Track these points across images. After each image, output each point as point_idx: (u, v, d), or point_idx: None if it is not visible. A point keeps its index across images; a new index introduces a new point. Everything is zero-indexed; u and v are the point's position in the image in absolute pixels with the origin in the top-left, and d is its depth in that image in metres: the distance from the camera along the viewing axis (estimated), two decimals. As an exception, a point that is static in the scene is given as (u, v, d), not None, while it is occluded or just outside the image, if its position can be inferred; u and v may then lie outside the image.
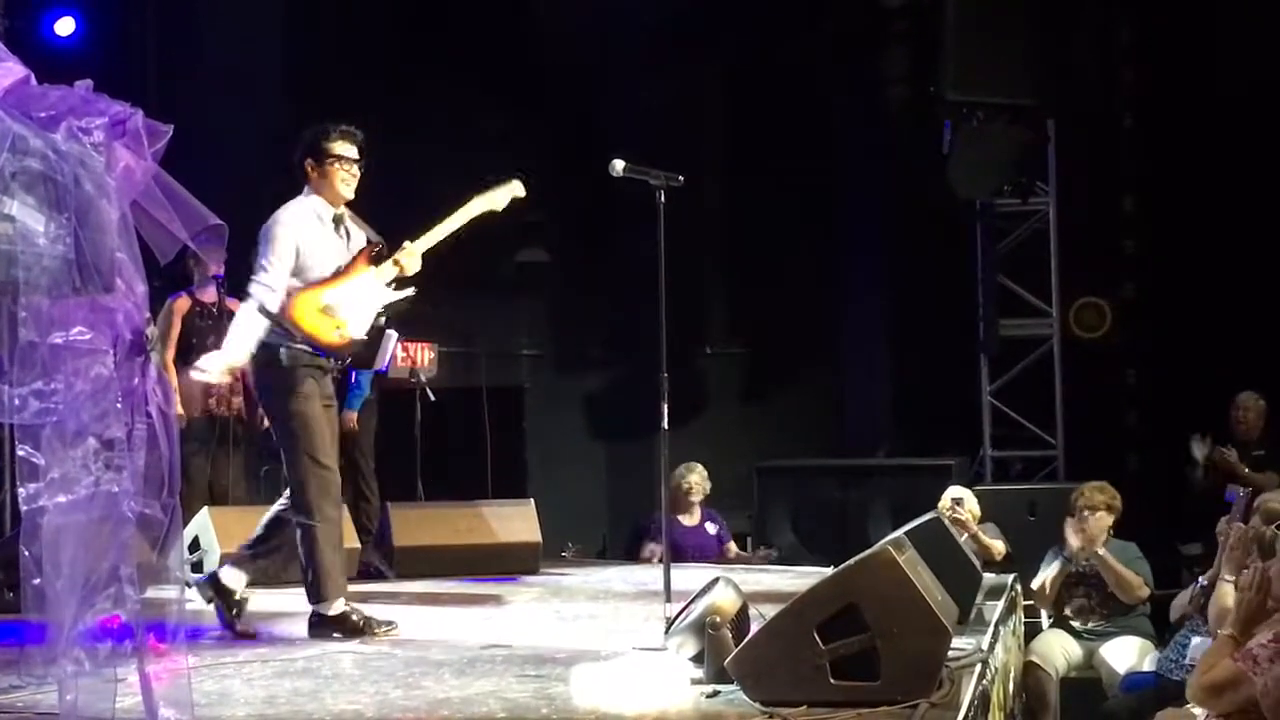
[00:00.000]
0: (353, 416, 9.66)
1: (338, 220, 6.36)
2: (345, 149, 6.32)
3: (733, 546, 10.03)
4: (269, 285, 6.13)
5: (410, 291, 6.39)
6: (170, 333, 9.09)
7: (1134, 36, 11.59)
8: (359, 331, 6.27)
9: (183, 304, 9.19)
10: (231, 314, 9.21)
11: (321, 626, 6.15)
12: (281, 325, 6.15)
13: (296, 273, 6.20)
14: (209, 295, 9.24)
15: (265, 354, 6.20)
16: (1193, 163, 11.01)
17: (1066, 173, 11.60)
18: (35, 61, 3.60)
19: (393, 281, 6.36)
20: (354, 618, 6.16)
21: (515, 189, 6.60)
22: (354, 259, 6.34)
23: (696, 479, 9.88)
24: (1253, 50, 10.82)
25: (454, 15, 11.63)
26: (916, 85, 11.62)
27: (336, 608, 6.15)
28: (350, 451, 9.81)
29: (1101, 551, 7.72)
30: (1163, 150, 11.36)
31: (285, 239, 6.19)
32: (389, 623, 6.23)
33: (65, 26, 11.08)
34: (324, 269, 6.26)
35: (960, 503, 8.45)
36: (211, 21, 11.74)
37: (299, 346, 6.14)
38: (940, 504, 8.50)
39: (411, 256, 6.38)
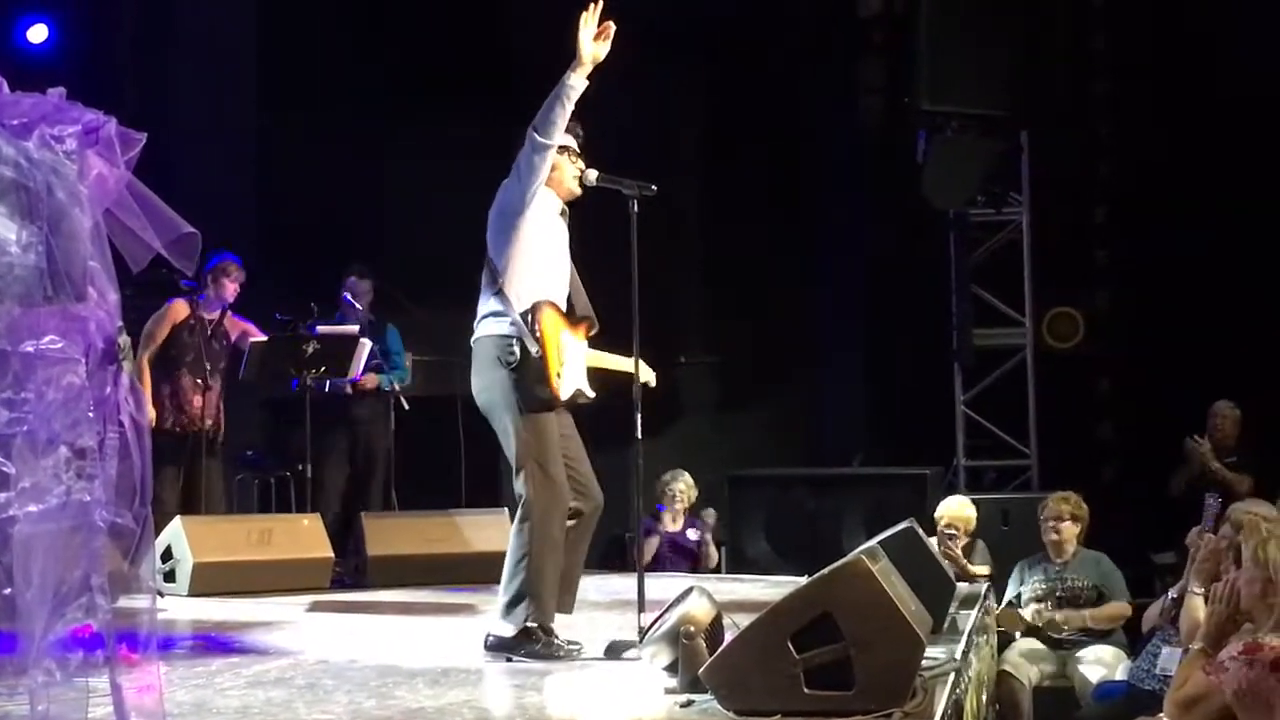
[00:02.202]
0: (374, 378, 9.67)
1: (562, 214, 6.02)
2: (570, 140, 5.97)
3: (712, 554, 10.06)
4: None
5: (591, 395, 6.00)
6: (157, 334, 9.08)
7: (1106, 47, 11.64)
8: (564, 393, 5.79)
9: (179, 310, 9.17)
10: (227, 336, 9.27)
11: (500, 648, 5.77)
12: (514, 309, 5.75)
13: (531, 256, 5.84)
14: (210, 312, 9.23)
15: (500, 347, 5.75)
16: (1165, 173, 11.06)
17: (1039, 183, 11.64)
18: (8, 69, 3.59)
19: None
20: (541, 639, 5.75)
21: (649, 377, 6.26)
22: (581, 322, 5.98)
23: (681, 486, 9.94)
24: (1225, 60, 10.87)
25: (426, 24, 11.62)
26: (891, 95, 11.65)
27: (512, 629, 5.75)
28: (373, 461, 9.84)
29: (1088, 616, 7.72)
30: (1135, 161, 11.41)
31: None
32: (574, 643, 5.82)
33: (38, 34, 11.06)
34: (555, 264, 5.92)
35: (952, 528, 8.51)
36: (185, 30, 11.71)
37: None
38: (937, 513, 8.59)
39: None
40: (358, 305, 9.73)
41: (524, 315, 5.73)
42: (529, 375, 5.71)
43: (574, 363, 5.89)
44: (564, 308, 5.94)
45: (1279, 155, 10.55)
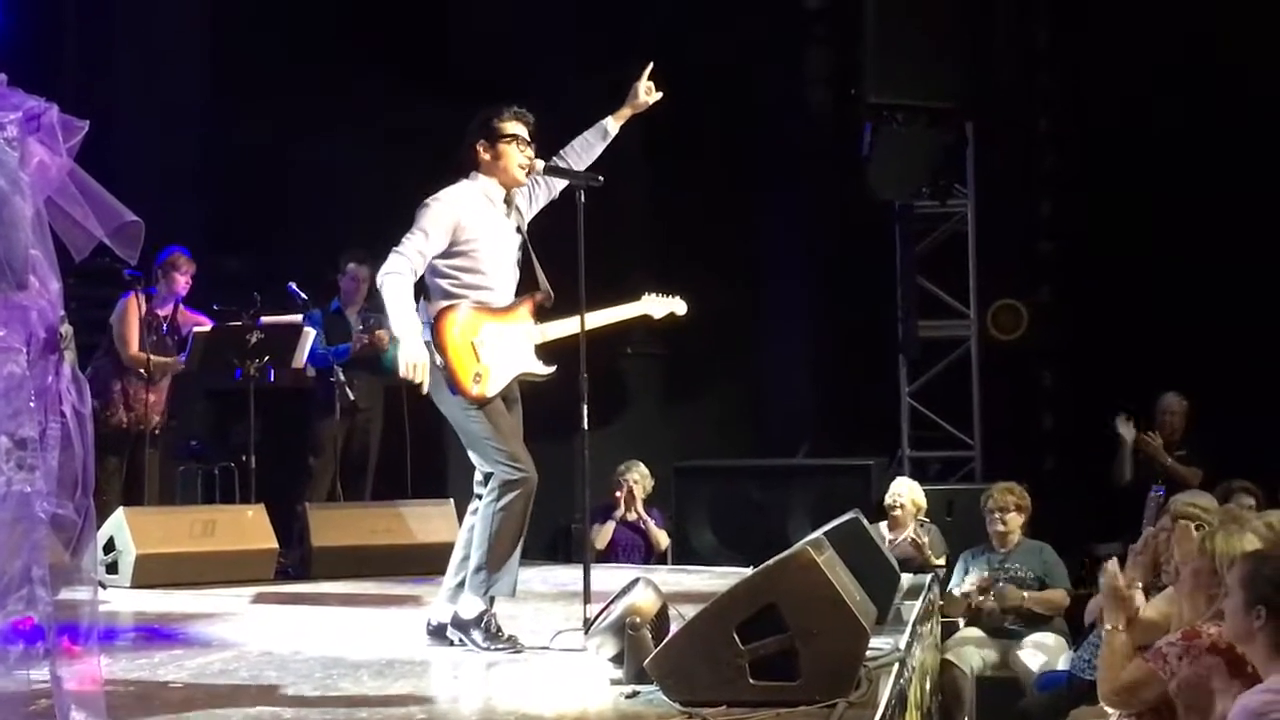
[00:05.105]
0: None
1: (508, 202, 5.98)
2: (518, 128, 5.95)
3: (661, 540, 10.05)
4: (403, 253, 5.65)
5: (553, 370, 6.00)
6: (128, 334, 8.95)
7: (1051, 41, 11.71)
8: (492, 389, 5.77)
9: (135, 305, 9.04)
10: (179, 330, 9.17)
11: (457, 626, 5.77)
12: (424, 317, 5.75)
13: (459, 254, 5.79)
14: (164, 309, 9.15)
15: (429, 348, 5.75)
16: (1109, 166, 11.13)
17: (985, 175, 11.69)
18: (-52, 56, 3.55)
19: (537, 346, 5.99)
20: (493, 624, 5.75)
21: (677, 306, 6.61)
22: (523, 301, 5.96)
23: (635, 477, 9.94)
24: (1168, 54, 10.94)
25: (376, 13, 11.56)
26: (837, 87, 11.67)
27: (474, 610, 5.75)
28: (367, 451, 9.80)
29: (1025, 596, 7.78)
30: (1079, 154, 11.48)
31: (442, 215, 5.75)
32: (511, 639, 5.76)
33: (-22, 19, 10.92)
34: (492, 255, 5.85)
35: (899, 498, 8.63)
36: (132, 15, 11.59)
37: None
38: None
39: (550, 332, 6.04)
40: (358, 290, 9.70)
41: (429, 325, 5.73)
42: (446, 380, 5.73)
43: (505, 353, 5.83)
44: (497, 299, 5.89)
45: (1223, 147, 10.63)
